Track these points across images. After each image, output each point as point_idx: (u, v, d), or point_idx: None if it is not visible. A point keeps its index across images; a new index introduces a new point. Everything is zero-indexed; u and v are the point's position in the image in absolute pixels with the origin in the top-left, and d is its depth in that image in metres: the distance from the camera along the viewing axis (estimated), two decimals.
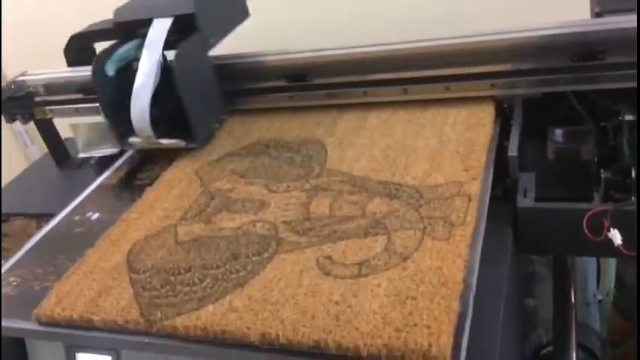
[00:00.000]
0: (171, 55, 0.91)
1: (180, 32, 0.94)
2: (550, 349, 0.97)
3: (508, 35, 0.86)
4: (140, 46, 0.95)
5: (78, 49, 1.17)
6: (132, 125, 0.93)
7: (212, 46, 1.00)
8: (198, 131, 0.94)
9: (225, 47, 1.02)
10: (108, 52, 0.96)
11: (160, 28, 0.93)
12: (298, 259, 0.67)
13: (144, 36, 0.95)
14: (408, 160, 0.80)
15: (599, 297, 1.18)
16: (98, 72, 0.94)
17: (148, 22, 0.95)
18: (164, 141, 0.94)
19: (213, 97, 1.01)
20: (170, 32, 0.93)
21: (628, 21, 0.79)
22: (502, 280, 0.68)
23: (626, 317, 1.23)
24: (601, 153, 0.80)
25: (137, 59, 0.94)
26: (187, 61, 0.92)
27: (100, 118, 0.98)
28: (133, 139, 0.95)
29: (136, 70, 0.93)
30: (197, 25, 0.95)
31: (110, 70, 0.95)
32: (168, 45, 0.93)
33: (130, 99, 0.92)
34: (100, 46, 1.20)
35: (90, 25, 1.19)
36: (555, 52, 0.83)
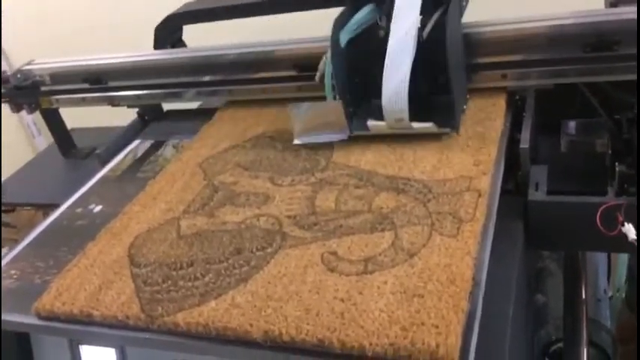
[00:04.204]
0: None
1: None
2: (560, 345, 0.95)
3: (520, 25, 0.84)
4: (375, 11, 0.82)
5: (170, 29, 1.11)
6: (363, 105, 0.81)
7: (464, 10, 0.86)
8: (458, 113, 0.80)
9: None
10: (340, 21, 0.82)
11: None
12: (303, 255, 0.66)
13: (376, 1, 0.83)
14: (416, 154, 0.79)
15: (610, 293, 1.16)
16: (334, 44, 0.80)
17: None
18: (416, 125, 0.79)
19: (464, 72, 0.86)
20: None
21: None
22: (512, 277, 0.66)
23: (637, 313, 1.21)
24: (615, 146, 0.78)
25: (378, 27, 0.80)
26: (452, 27, 0.78)
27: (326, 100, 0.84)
28: (373, 123, 0.81)
29: (374, 38, 0.79)
30: None
31: (343, 40, 0.81)
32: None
33: (360, 74, 0.81)
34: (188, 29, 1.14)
35: (184, 5, 1.13)
36: (568, 43, 0.81)
